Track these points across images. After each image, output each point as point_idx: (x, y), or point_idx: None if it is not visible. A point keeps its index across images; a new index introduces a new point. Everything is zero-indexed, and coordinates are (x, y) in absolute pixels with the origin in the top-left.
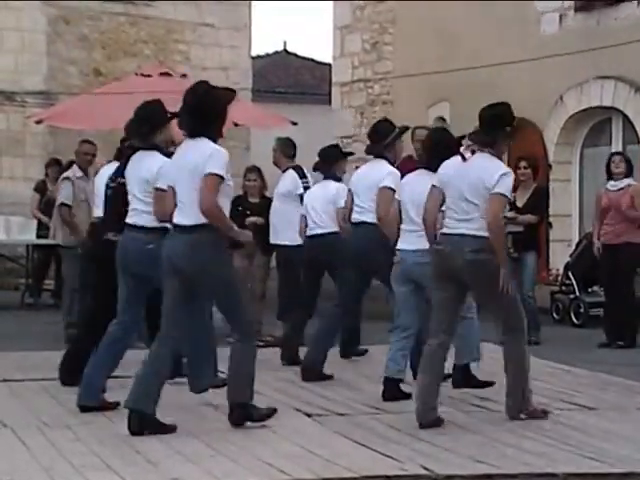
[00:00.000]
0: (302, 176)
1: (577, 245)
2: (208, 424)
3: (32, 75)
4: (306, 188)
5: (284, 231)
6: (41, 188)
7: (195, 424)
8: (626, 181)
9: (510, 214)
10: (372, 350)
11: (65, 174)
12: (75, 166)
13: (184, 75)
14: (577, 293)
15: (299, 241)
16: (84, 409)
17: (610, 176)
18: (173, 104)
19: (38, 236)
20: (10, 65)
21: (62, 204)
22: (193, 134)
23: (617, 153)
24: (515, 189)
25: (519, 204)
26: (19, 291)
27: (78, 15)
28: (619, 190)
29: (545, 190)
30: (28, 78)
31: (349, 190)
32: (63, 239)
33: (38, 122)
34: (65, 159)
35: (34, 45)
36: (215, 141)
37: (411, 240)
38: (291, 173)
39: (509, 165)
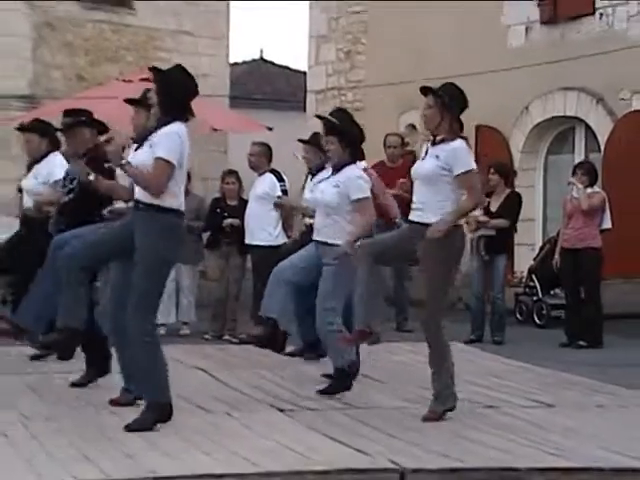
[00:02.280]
0: (280, 179)
1: (540, 249)
2: (185, 419)
3: (17, 79)
4: (284, 191)
5: (259, 232)
6: None
7: (174, 418)
8: (589, 190)
9: (483, 218)
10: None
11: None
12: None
13: None
14: (540, 295)
15: (273, 242)
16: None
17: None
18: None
19: None
20: None
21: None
22: None
23: (579, 164)
24: (489, 194)
25: (492, 209)
26: None
27: (62, 22)
28: (583, 197)
29: (518, 196)
30: (13, 82)
31: None
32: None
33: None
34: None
35: (19, 50)
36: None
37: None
38: (269, 176)
39: (479, 171)
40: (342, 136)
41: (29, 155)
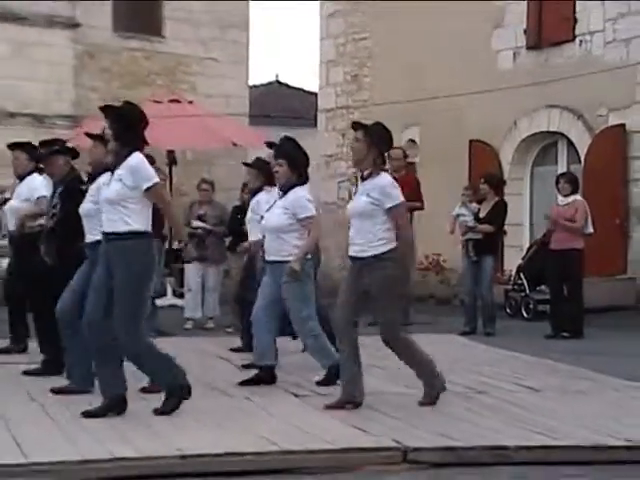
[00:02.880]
0: None
1: (527, 250)
2: (209, 403)
3: (61, 101)
4: None
5: None
6: None
7: (199, 403)
8: (572, 197)
9: (471, 223)
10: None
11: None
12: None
13: (190, 102)
14: (527, 292)
15: None
16: None
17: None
18: (180, 125)
19: None
20: (42, 92)
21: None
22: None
23: (561, 175)
24: (480, 202)
25: (481, 215)
26: None
27: (100, 50)
28: (566, 205)
29: (504, 204)
30: (57, 104)
31: None
32: None
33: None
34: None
35: (63, 76)
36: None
37: None
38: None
39: (471, 181)
40: (290, 160)
41: (15, 173)
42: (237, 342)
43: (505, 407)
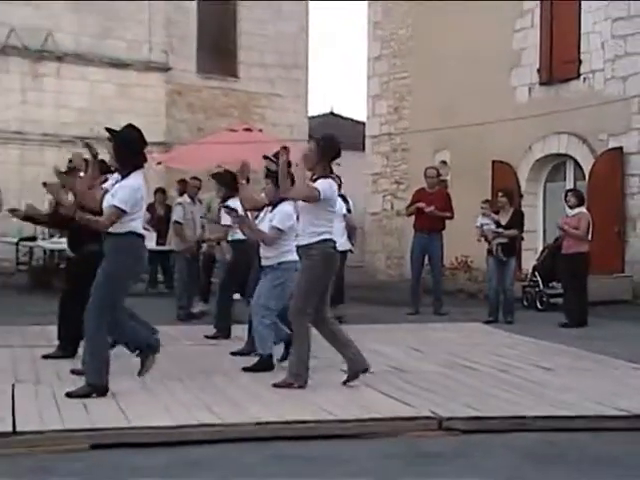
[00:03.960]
0: (345, 201)
1: (541, 253)
2: (279, 379)
3: (155, 131)
4: (348, 210)
5: None
6: (151, 209)
7: (269, 378)
8: (577, 209)
9: (498, 230)
10: (390, 327)
11: (179, 200)
12: (186, 194)
13: (260, 130)
14: (541, 287)
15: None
16: None
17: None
18: (254, 150)
19: (157, 244)
20: (139, 124)
21: (176, 222)
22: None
23: (569, 190)
24: (497, 212)
25: (503, 222)
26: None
27: (187, 89)
28: (573, 216)
29: (521, 212)
30: (152, 133)
31: None
32: (176, 246)
33: (158, 163)
34: (175, 190)
35: (157, 110)
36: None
37: None
38: (338, 199)
39: (493, 195)
40: (275, 179)
41: None
42: None
43: (523, 383)
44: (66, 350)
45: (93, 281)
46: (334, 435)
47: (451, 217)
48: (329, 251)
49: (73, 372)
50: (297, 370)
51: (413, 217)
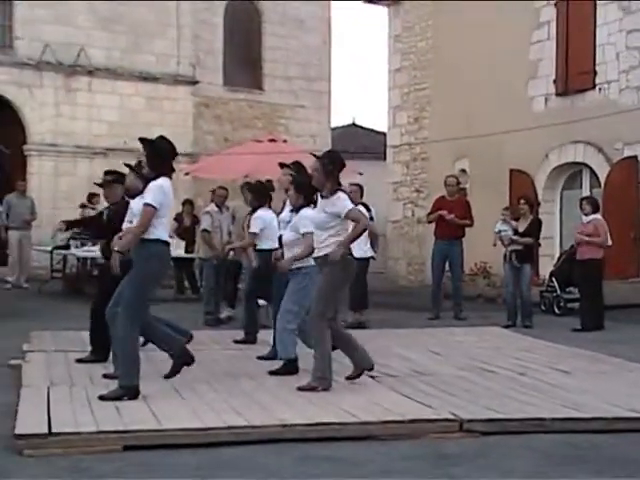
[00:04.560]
0: (368, 209)
1: (558, 259)
2: (304, 383)
3: (183, 142)
4: (370, 218)
5: (356, 249)
6: (178, 218)
7: (295, 382)
8: (592, 216)
9: (514, 237)
10: (411, 332)
11: (206, 209)
12: (212, 203)
13: (285, 141)
14: (558, 292)
15: (364, 254)
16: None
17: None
18: (277, 159)
19: (185, 252)
20: (168, 135)
21: (204, 230)
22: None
23: (584, 198)
24: (517, 219)
25: (520, 230)
26: (171, 289)
27: (213, 101)
28: (588, 223)
29: (539, 221)
30: (180, 144)
31: None
32: (204, 253)
33: (186, 174)
34: (202, 199)
35: (185, 121)
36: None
37: None
38: (360, 207)
39: (511, 203)
40: (297, 185)
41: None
42: None
43: (541, 386)
44: (98, 354)
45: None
46: (358, 437)
47: (471, 224)
48: (348, 259)
49: (105, 376)
50: (321, 374)
51: (434, 224)
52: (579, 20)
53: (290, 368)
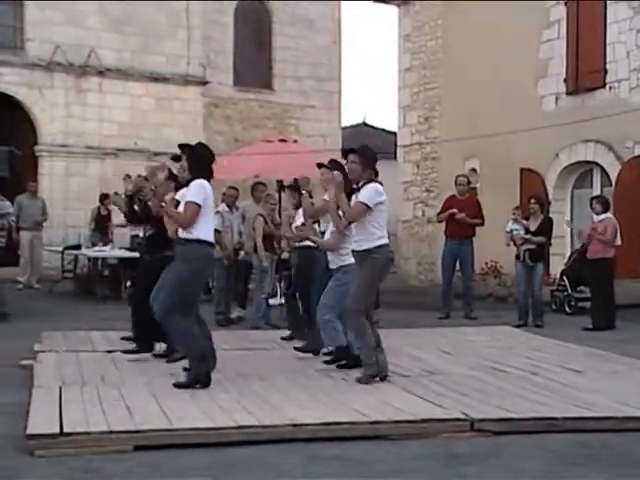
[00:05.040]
0: None
1: (569, 258)
2: (314, 382)
3: (193, 142)
4: None
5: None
6: None
7: (305, 382)
8: (603, 215)
9: (527, 236)
10: (422, 331)
11: (217, 208)
12: (223, 203)
13: (295, 141)
14: (569, 291)
15: None
16: None
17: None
18: (287, 159)
19: None
20: (178, 136)
21: (215, 230)
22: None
23: (594, 197)
24: (527, 219)
25: (532, 229)
26: None
27: (224, 101)
28: (600, 222)
29: (550, 220)
30: None
31: None
32: (215, 254)
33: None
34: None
35: (195, 122)
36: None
37: None
38: None
39: (521, 202)
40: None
41: None
42: None
43: (552, 385)
44: (143, 347)
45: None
46: (369, 436)
47: (481, 224)
48: (389, 256)
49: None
50: (368, 360)
51: (444, 224)
52: (589, 19)
53: (340, 355)
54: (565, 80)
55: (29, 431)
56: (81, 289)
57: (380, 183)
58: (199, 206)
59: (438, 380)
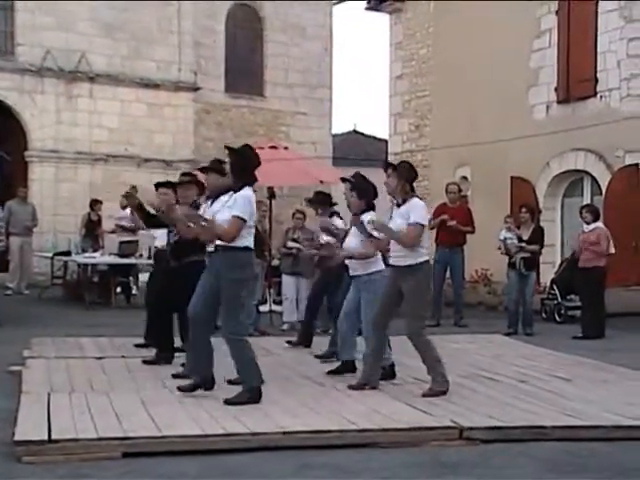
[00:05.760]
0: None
1: (559, 266)
2: (305, 390)
3: (184, 149)
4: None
5: None
6: None
7: (296, 390)
8: (593, 225)
9: (521, 245)
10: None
11: None
12: None
13: (286, 147)
14: (559, 300)
15: None
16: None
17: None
18: (278, 167)
19: None
20: (169, 142)
21: None
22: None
23: (584, 206)
24: (518, 227)
25: (524, 237)
26: None
27: (215, 107)
28: (590, 231)
29: (542, 229)
30: (181, 151)
31: None
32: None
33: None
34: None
35: (185, 128)
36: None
37: None
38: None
39: (512, 210)
40: (359, 192)
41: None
42: (323, 340)
43: (542, 394)
44: (165, 356)
45: (190, 290)
46: (358, 444)
47: (472, 231)
48: (430, 271)
49: (175, 376)
50: (440, 377)
51: (434, 232)
52: (580, 28)
53: (348, 367)
54: (556, 89)
55: (17, 437)
56: (70, 295)
57: (420, 198)
58: (245, 222)
59: (427, 388)
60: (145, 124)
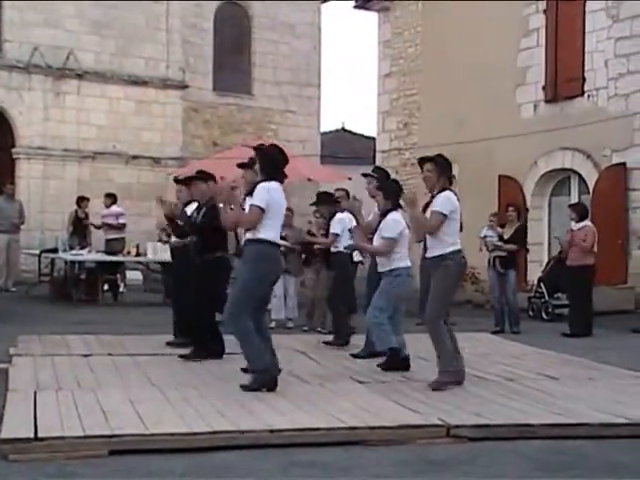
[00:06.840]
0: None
1: (546, 264)
2: (291, 388)
3: (172, 146)
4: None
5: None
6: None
7: (283, 388)
8: (582, 223)
9: (498, 243)
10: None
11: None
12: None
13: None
14: (546, 298)
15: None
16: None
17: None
18: None
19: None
20: (157, 140)
21: None
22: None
23: (571, 205)
24: (503, 226)
25: (505, 237)
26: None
27: (203, 105)
28: (578, 230)
29: (525, 228)
30: (169, 148)
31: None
32: None
33: (175, 178)
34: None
35: (173, 126)
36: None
37: None
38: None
39: (499, 209)
40: (386, 192)
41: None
42: (310, 339)
43: (529, 392)
44: (199, 351)
45: (216, 285)
46: (346, 442)
47: (460, 230)
48: (462, 261)
49: (244, 370)
50: (445, 368)
51: None
52: (568, 27)
53: (394, 356)
54: (544, 88)
55: (3, 435)
56: (58, 293)
57: (454, 192)
58: (262, 209)
59: (415, 386)
60: (133, 121)
